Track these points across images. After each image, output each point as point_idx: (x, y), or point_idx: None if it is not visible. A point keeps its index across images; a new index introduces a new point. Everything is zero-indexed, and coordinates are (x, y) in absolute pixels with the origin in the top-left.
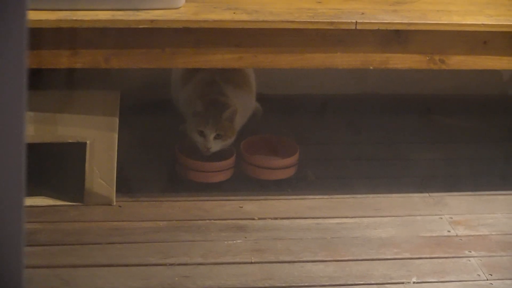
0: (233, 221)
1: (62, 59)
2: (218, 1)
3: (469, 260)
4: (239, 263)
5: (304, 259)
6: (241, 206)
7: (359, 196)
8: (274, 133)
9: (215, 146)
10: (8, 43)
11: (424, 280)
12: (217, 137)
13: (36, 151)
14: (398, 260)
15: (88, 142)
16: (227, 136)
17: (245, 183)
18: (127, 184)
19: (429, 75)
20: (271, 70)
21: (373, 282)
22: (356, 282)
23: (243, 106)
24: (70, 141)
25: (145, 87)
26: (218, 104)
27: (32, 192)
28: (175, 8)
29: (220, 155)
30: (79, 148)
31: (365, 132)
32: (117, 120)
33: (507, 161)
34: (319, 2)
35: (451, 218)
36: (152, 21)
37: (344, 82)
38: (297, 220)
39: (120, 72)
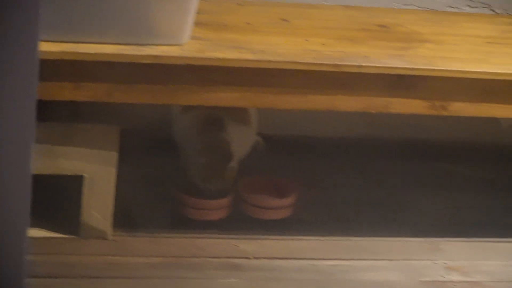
0: (228, 259)
1: (64, 92)
2: (224, 39)
3: None
4: None
5: None
6: (236, 245)
7: (355, 238)
8: (275, 173)
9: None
10: (19, 73)
11: None
12: (218, 183)
13: (33, 182)
14: None
15: (86, 175)
16: (227, 180)
17: (242, 221)
18: (124, 219)
19: (437, 121)
20: (275, 110)
21: None
22: None
23: (243, 141)
24: (67, 173)
25: (147, 124)
26: (220, 154)
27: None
28: (179, 45)
29: (217, 193)
30: (77, 182)
31: (367, 176)
32: (116, 154)
33: (508, 210)
34: (324, 44)
35: (446, 263)
36: (156, 56)
37: (349, 125)
38: (293, 261)
39: (122, 107)
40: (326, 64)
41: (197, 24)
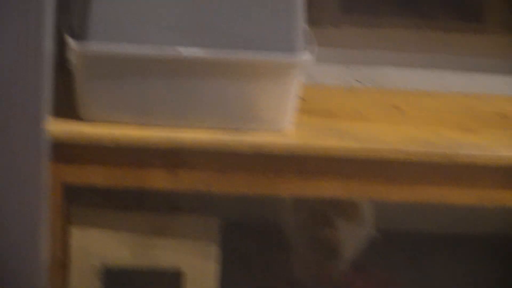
0: None
1: (161, 181)
2: (328, 127)
3: None
4: None
5: None
6: None
7: None
8: (391, 271)
9: None
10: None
11: None
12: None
13: (132, 277)
14: None
15: (184, 270)
16: (335, 280)
17: None
18: None
19: None
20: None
21: None
22: None
23: (353, 238)
24: (165, 267)
25: (249, 214)
26: (326, 251)
27: None
28: (279, 131)
29: None
30: (176, 277)
31: (484, 275)
32: (216, 248)
33: None
34: (435, 134)
35: None
36: (255, 144)
37: (464, 220)
38: None
39: (220, 196)
40: (436, 155)
41: (302, 110)
